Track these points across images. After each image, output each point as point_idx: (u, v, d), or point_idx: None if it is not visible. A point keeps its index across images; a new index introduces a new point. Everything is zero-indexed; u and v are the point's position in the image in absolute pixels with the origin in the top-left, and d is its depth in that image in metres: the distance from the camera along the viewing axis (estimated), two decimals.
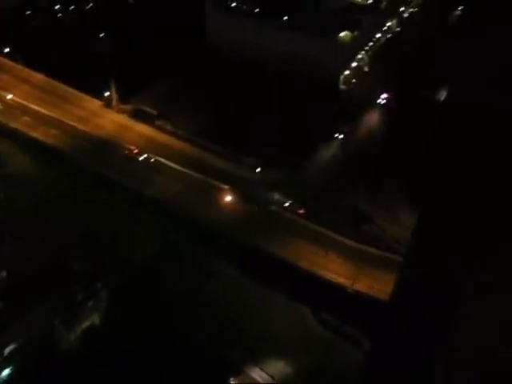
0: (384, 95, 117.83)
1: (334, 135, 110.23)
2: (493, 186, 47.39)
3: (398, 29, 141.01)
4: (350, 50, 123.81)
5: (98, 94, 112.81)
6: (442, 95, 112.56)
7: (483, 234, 48.54)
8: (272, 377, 72.28)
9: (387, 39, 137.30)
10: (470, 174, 48.57)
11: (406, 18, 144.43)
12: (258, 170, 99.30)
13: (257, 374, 72.10)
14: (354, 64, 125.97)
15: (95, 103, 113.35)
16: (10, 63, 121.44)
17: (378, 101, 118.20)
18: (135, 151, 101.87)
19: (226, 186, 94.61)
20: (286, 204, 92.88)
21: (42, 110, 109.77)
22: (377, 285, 77.47)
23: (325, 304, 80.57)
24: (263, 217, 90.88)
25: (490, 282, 49.89)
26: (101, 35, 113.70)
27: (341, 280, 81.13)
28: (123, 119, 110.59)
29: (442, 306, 50.33)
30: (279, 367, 72.90)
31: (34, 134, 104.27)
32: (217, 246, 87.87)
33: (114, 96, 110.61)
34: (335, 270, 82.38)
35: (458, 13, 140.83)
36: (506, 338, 52.57)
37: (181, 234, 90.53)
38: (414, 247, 58.41)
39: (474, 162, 47.97)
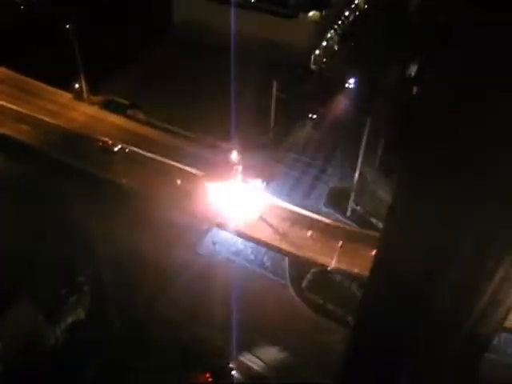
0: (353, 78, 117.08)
1: (307, 115, 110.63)
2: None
3: (366, 6, 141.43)
4: (319, 29, 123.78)
5: (67, 87, 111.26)
6: (413, 71, 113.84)
7: None
8: (265, 362, 72.73)
9: (355, 16, 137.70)
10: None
11: None
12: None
13: (249, 360, 72.49)
14: (324, 43, 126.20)
15: (65, 96, 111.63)
16: None
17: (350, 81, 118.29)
18: (109, 142, 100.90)
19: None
20: None
21: (11, 106, 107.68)
22: (357, 261, 78.47)
23: None
24: None
25: None
26: (66, 26, 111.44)
27: (322, 259, 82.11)
28: (95, 111, 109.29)
29: None
30: (270, 352, 73.35)
31: (4, 131, 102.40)
32: None
33: (84, 88, 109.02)
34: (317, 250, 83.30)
35: None
36: None
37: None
38: None
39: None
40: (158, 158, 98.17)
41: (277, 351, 72.69)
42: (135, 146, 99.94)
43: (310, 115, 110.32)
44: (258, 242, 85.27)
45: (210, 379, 69.14)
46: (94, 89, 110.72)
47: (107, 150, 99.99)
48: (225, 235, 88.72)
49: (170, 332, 74.64)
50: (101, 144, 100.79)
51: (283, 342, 73.67)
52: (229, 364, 71.04)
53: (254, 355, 72.38)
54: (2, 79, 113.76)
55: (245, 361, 72.10)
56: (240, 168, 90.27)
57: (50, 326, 75.34)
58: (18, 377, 71.02)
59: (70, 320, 76.60)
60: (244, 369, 71.85)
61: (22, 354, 71.81)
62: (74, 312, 77.37)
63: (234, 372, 70.86)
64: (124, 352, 72.95)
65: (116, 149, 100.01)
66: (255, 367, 72.10)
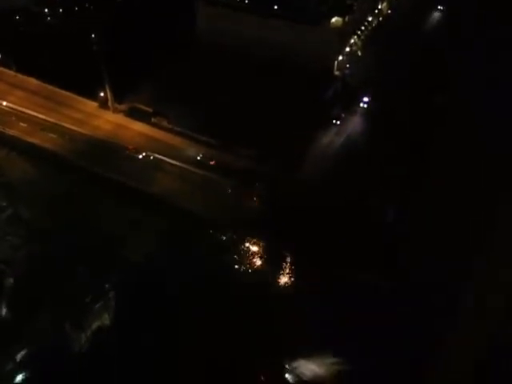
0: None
1: (331, 121, 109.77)
2: None
3: (389, 11, 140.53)
4: (343, 35, 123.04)
5: (92, 96, 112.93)
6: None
7: None
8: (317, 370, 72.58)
9: (379, 22, 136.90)
10: None
11: None
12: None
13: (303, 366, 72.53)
14: (347, 49, 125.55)
15: (91, 105, 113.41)
16: (1, 69, 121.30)
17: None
18: (134, 150, 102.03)
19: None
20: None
21: (38, 115, 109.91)
22: None
23: None
24: None
25: None
26: (91, 36, 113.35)
27: None
28: (119, 119, 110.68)
29: None
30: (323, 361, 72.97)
31: (32, 140, 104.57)
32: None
33: (109, 96, 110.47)
34: None
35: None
36: None
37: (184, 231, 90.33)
38: None
39: None
40: (182, 164, 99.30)
41: (330, 361, 71.99)
42: (160, 154, 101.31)
43: (333, 121, 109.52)
44: None
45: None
46: (118, 97, 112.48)
47: (132, 157, 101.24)
48: None
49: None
50: (126, 152, 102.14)
51: None
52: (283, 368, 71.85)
53: (307, 362, 72.05)
54: (35, 91, 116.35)
55: (298, 367, 71.96)
56: None
57: (75, 332, 76.10)
58: (45, 382, 71.99)
59: (95, 326, 77.28)
60: (296, 375, 72.05)
61: (49, 359, 72.67)
62: (99, 318, 78.02)
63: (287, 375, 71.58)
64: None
65: (140, 156, 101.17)
66: (307, 373, 72.28)
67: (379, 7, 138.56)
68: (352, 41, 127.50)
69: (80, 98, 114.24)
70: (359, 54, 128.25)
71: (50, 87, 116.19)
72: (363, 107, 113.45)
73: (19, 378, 72.06)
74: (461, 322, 74.50)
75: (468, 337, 72.40)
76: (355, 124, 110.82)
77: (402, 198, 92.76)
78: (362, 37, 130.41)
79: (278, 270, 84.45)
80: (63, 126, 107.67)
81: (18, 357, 73.06)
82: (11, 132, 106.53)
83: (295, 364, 72.61)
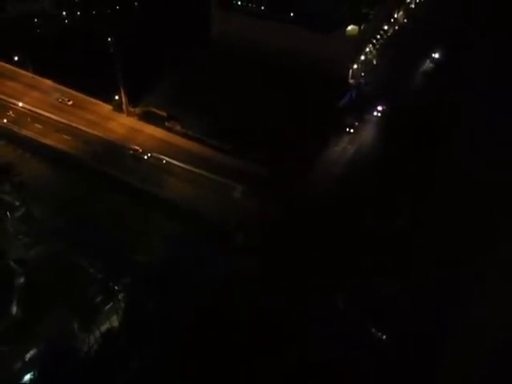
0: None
1: (344, 129, 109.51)
2: None
3: (405, 20, 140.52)
4: (358, 43, 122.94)
5: (107, 98, 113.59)
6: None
7: None
8: None
9: (394, 31, 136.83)
10: None
11: (413, 8, 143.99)
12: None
13: None
14: (362, 58, 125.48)
15: (105, 107, 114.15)
16: (19, 71, 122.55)
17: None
18: (140, 150, 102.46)
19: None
20: None
21: (53, 117, 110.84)
22: None
23: None
24: None
25: None
26: (107, 39, 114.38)
27: None
28: (133, 122, 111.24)
29: None
30: None
31: (47, 141, 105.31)
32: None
33: (124, 99, 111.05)
34: None
35: None
36: None
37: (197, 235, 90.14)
38: None
39: None
40: (193, 168, 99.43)
41: None
42: (172, 158, 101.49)
43: (347, 129, 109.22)
44: None
45: None
46: (133, 100, 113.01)
47: (138, 158, 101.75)
48: None
49: None
50: (131, 152, 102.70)
51: None
52: None
53: None
54: (51, 92, 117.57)
55: None
56: None
57: (84, 334, 76.10)
58: (53, 382, 71.99)
59: (104, 328, 77.24)
60: None
61: (58, 360, 72.69)
62: (109, 320, 77.98)
63: None
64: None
65: (146, 157, 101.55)
66: None
67: (395, 16, 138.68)
68: (367, 49, 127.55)
69: (95, 101, 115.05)
70: (374, 62, 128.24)
71: (66, 89, 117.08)
72: (377, 116, 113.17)
73: (27, 377, 72.13)
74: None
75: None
76: (369, 132, 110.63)
77: (413, 205, 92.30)
78: (378, 45, 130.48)
79: (291, 273, 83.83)
80: (77, 128, 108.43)
81: (27, 356, 73.17)
82: (26, 133, 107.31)
83: None
